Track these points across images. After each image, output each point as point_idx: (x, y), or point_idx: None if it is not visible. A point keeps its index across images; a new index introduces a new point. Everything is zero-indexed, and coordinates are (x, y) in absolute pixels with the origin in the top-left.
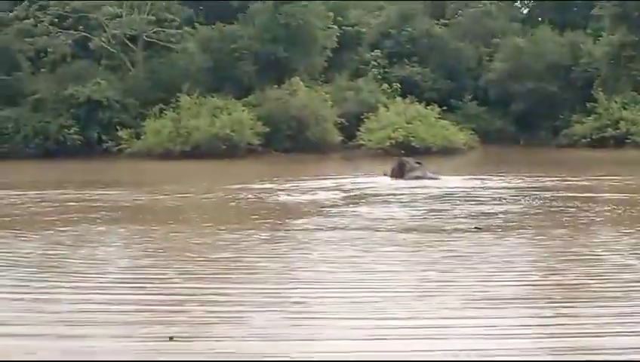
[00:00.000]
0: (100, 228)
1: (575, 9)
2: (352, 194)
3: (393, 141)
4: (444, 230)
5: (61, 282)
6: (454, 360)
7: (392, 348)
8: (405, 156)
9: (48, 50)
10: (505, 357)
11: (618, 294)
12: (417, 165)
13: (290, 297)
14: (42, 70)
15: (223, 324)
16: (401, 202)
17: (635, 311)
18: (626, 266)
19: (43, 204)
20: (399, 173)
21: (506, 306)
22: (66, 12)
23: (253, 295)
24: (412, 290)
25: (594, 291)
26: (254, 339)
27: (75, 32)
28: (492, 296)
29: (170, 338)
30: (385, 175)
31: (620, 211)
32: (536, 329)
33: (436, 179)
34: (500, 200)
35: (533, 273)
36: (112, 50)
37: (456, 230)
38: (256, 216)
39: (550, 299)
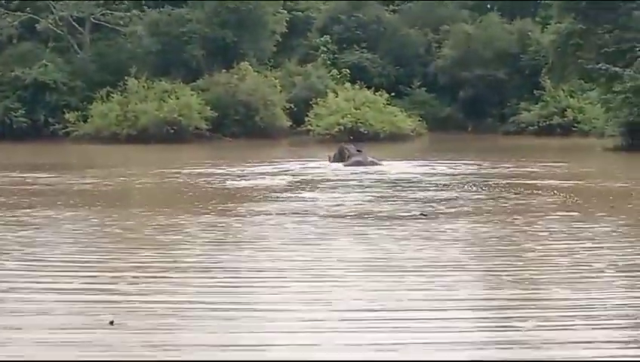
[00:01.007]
0: (41, 212)
1: None
2: (298, 179)
3: (342, 127)
4: (389, 216)
5: None
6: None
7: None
8: (354, 142)
9: None
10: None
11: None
12: (358, 152)
13: (233, 285)
14: None
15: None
16: (347, 187)
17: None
18: (562, 251)
19: None
20: (340, 159)
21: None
22: None
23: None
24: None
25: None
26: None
27: (21, 14)
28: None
29: (111, 323)
30: (329, 160)
31: (563, 198)
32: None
33: (377, 164)
34: (445, 186)
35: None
36: (59, 32)
37: (402, 217)
38: (201, 201)
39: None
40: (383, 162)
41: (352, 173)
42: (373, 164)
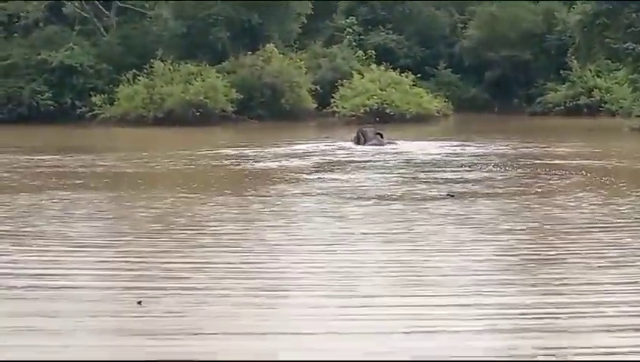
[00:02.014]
0: (67, 194)
1: None
2: (323, 160)
3: (367, 108)
4: (416, 197)
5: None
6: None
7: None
8: (379, 123)
9: (21, 14)
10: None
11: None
12: (377, 135)
13: (262, 267)
14: (14, 35)
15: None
16: (374, 169)
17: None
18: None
19: (12, 168)
20: (357, 142)
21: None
22: None
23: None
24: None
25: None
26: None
27: None
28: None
29: (139, 303)
30: (354, 142)
31: (591, 178)
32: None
33: (394, 144)
34: (472, 167)
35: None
36: (85, 15)
37: (429, 197)
38: (228, 183)
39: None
40: (411, 143)
41: (377, 155)
42: (389, 145)
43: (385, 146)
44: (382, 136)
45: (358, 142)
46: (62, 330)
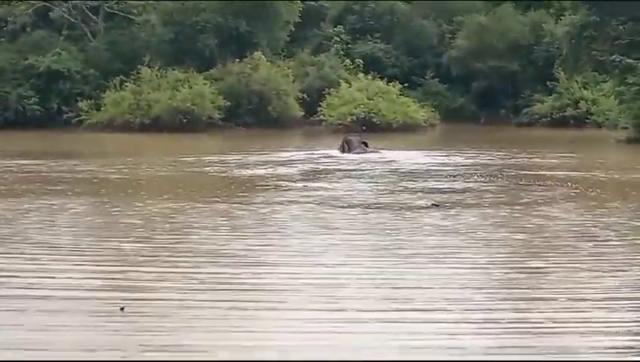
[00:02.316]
0: (50, 199)
1: None
2: (309, 168)
3: (354, 117)
4: (401, 206)
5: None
6: None
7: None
8: (366, 132)
9: (8, 19)
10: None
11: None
12: (362, 144)
13: (243, 277)
14: (2, 40)
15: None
16: (359, 177)
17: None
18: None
19: None
20: (344, 150)
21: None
22: None
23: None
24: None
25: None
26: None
27: (35, 2)
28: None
29: (122, 309)
30: (340, 150)
31: (576, 189)
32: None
33: (378, 153)
34: (457, 176)
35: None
36: (72, 20)
37: (413, 207)
38: (212, 190)
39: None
40: (396, 152)
41: (362, 163)
42: (371, 153)
43: (369, 155)
44: (367, 145)
45: (343, 150)
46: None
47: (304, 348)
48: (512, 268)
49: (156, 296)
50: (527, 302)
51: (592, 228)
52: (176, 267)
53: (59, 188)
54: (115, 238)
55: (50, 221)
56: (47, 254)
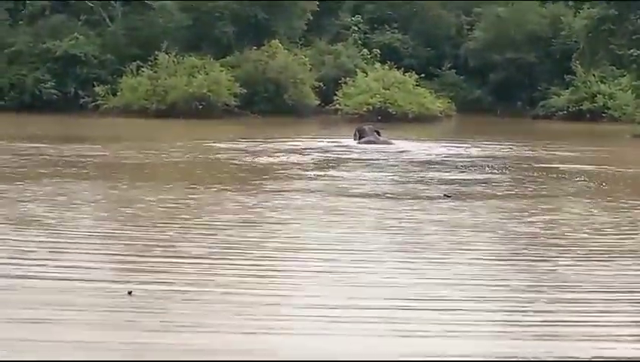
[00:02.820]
0: (67, 184)
1: None
2: (323, 157)
3: (370, 107)
4: (413, 196)
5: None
6: None
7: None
8: (382, 122)
9: (27, 2)
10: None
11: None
12: (375, 132)
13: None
14: (20, 22)
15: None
16: (370, 167)
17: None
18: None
19: (10, 156)
20: (357, 138)
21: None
22: None
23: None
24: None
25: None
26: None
27: None
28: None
29: (129, 293)
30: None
31: (590, 183)
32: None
33: (389, 143)
34: (472, 168)
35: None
36: (90, 5)
37: (427, 197)
38: (226, 177)
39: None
40: (409, 142)
41: (375, 153)
42: (385, 143)
43: (381, 145)
44: (379, 134)
45: (356, 139)
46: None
47: (316, 336)
48: (521, 259)
49: (165, 278)
50: (536, 293)
51: (603, 222)
52: (184, 252)
53: (73, 171)
54: (127, 222)
55: (61, 203)
56: (59, 238)
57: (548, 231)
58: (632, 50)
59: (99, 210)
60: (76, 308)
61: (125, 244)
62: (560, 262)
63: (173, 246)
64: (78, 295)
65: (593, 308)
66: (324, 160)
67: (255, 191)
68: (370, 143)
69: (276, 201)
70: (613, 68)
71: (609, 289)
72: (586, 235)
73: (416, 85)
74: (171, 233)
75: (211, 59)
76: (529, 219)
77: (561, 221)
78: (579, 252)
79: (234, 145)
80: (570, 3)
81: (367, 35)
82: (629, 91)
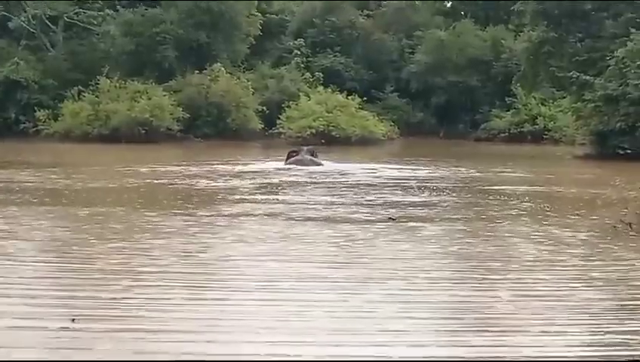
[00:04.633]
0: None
1: (497, 4)
2: (262, 181)
3: (313, 130)
4: (357, 220)
5: None
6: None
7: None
8: (325, 145)
9: None
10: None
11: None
12: (306, 153)
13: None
14: None
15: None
16: (313, 189)
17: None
18: (525, 255)
19: None
20: (286, 159)
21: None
22: None
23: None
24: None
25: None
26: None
27: None
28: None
29: (73, 321)
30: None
31: (531, 205)
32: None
33: (318, 164)
34: (414, 190)
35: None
36: (31, 30)
37: (370, 221)
38: (166, 201)
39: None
40: (347, 164)
41: (313, 175)
42: (313, 164)
43: (305, 166)
44: (315, 156)
45: (288, 161)
46: None
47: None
48: (466, 279)
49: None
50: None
51: (543, 242)
52: (128, 279)
53: (9, 197)
54: (63, 248)
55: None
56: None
57: (495, 252)
58: (571, 73)
59: (36, 235)
60: None
61: (59, 270)
62: (501, 280)
63: (112, 274)
64: None
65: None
66: (263, 184)
67: (197, 216)
68: (298, 164)
69: (216, 225)
70: (554, 90)
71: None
72: (529, 256)
73: (359, 108)
74: (109, 262)
75: (153, 84)
76: (472, 240)
77: (502, 240)
78: (519, 272)
79: (176, 170)
80: (511, 26)
81: (310, 59)
82: (569, 113)
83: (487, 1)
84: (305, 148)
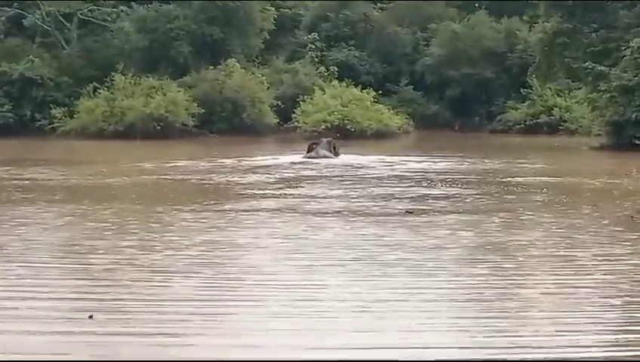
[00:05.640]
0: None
1: None
2: (282, 176)
3: (328, 124)
4: (374, 213)
5: None
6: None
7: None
8: (340, 139)
9: None
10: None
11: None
12: (325, 146)
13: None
14: None
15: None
16: (330, 183)
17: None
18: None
19: None
20: (311, 154)
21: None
22: None
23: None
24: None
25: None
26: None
27: (9, 9)
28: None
29: (90, 317)
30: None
31: (548, 196)
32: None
33: (331, 157)
34: (430, 183)
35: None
36: (46, 27)
37: (388, 213)
38: (183, 197)
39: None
40: (367, 157)
41: (329, 169)
42: (325, 157)
43: (334, 160)
44: (335, 148)
45: (309, 155)
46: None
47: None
48: (486, 272)
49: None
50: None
51: (562, 234)
52: (144, 272)
53: (30, 195)
54: (84, 246)
55: (14, 227)
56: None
57: (508, 243)
58: (587, 63)
59: (54, 234)
60: None
61: (79, 268)
62: (522, 274)
63: (128, 270)
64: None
65: None
66: (283, 179)
67: (213, 211)
68: (312, 158)
69: (232, 221)
70: (569, 81)
71: None
72: (549, 247)
73: (374, 102)
74: (126, 256)
75: (168, 80)
76: (491, 232)
77: (521, 232)
78: (539, 265)
79: (191, 165)
80: (525, 18)
81: (324, 53)
82: (585, 104)
83: None
84: (324, 140)
